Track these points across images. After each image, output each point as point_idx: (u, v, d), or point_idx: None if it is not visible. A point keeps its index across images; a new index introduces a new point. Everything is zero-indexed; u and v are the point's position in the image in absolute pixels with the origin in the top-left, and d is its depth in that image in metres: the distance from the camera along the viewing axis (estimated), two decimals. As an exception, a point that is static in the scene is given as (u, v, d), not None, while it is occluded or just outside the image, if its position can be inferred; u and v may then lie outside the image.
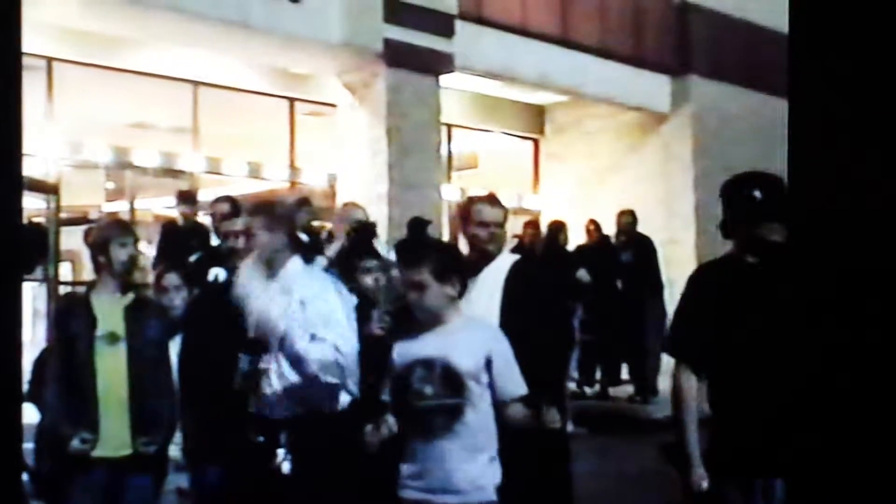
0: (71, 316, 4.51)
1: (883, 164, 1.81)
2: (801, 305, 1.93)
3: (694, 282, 3.62)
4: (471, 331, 3.74)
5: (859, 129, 1.83)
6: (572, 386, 10.72)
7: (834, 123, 1.85)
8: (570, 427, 9.07)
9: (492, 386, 3.64)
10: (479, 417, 3.60)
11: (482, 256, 4.33)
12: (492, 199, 4.53)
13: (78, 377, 4.34)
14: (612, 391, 11.08)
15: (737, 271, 3.50)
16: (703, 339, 3.45)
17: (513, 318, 4.02)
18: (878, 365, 1.79)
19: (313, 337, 4.04)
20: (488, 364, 3.63)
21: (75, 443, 4.27)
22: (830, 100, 1.86)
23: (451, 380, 3.60)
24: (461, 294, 3.77)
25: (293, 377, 4.07)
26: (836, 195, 1.85)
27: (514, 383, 3.67)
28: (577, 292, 9.63)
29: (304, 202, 10.06)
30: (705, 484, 3.39)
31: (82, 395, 4.33)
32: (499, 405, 3.66)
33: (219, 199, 6.28)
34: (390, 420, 3.63)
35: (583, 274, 9.85)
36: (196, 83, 11.43)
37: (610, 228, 11.29)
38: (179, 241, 8.48)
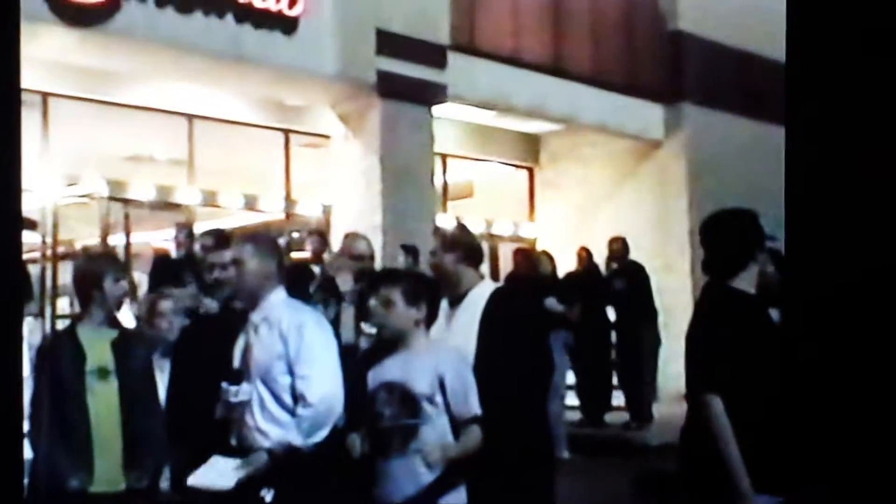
0: (58, 353, 4.50)
1: (879, 186, 1.83)
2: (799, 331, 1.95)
3: (718, 314, 3.68)
4: (429, 354, 3.90)
5: (855, 151, 1.86)
6: (574, 414, 10.76)
7: (830, 146, 1.88)
8: (565, 454, 9.11)
9: (447, 406, 3.80)
10: (436, 438, 3.76)
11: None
12: (434, 230, 4.64)
13: (70, 414, 4.32)
14: (607, 418, 11.07)
15: (750, 303, 3.65)
16: (728, 369, 3.50)
17: (489, 345, 4.08)
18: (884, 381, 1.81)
19: (293, 372, 4.04)
20: (442, 385, 3.79)
21: (74, 482, 4.26)
22: (827, 124, 1.89)
23: (407, 402, 3.79)
24: (429, 320, 3.95)
25: (274, 409, 4.07)
26: (832, 216, 1.87)
27: (467, 404, 3.82)
28: (548, 321, 9.52)
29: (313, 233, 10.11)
30: None
31: (76, 433, 4.31)
32: (455, 425, 3.82)
33: (205, 233, 6.31)
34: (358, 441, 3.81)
35: (552, 303, 9.79)
36: (191, 116, 11.50)
37: (604, 255, 11.33)
38: (171, 272, 8.51)
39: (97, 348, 4.44)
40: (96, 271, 4.51)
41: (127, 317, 5.43)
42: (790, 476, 3.19)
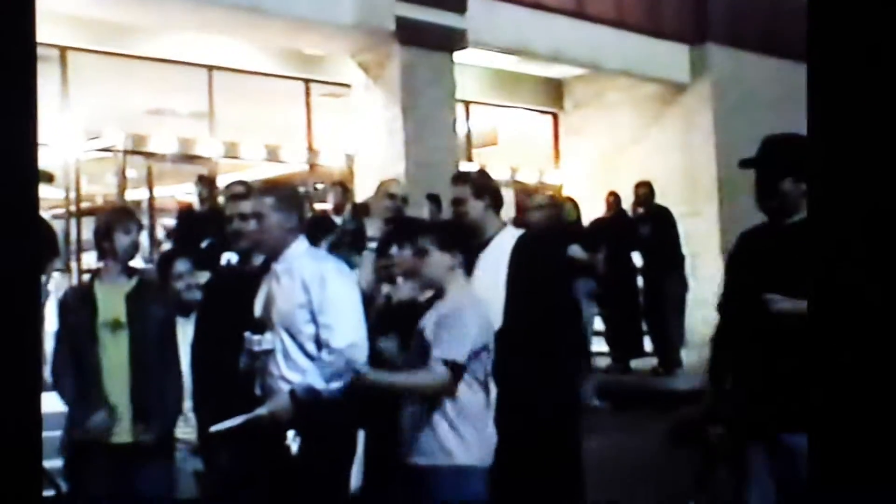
0: (74, 306, 4.53)
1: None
2: (822, 263, 1.91)
3: (739, 247, 3.70)
4: (449, 300, 3.86)
5: (878, 90, 1.81)
6: (606, 361, 10.73)
7: (853, 85, 1.83)
8: (594, 401, 9.09)
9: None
10: (432, 381, 3.73)
11: None
12: (454, 177, 4.68)
13: (83, 366, 4.37)
14: (636, 364, 11.03)
15: (775, 235, 3.58)
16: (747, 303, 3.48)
17: (517, 292, 4.06)
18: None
19: (316, 321, 4.03)
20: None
21: (97, 419, 4.29)
22: (849, 61, 1.83)
23: (422, 348, 3.78)
24: (466, 268, 3.92)
25: (298, 357, 4.06)
26: (855, 155, 1.83)
27: (441, 345, 3.72)
28: (572, 268, 9.41)
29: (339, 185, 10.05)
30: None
31: (89, 385, 4.37)
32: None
33: (231, 184, 6.27)
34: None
35: (576, 250, 9.65)
36: (211, 67, 11.43)
37: (630, 201, 11.22)
38: (196, 226, 8.49)
39: (111, 301, 4.46)
40: (107, 225, 4.52)
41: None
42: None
